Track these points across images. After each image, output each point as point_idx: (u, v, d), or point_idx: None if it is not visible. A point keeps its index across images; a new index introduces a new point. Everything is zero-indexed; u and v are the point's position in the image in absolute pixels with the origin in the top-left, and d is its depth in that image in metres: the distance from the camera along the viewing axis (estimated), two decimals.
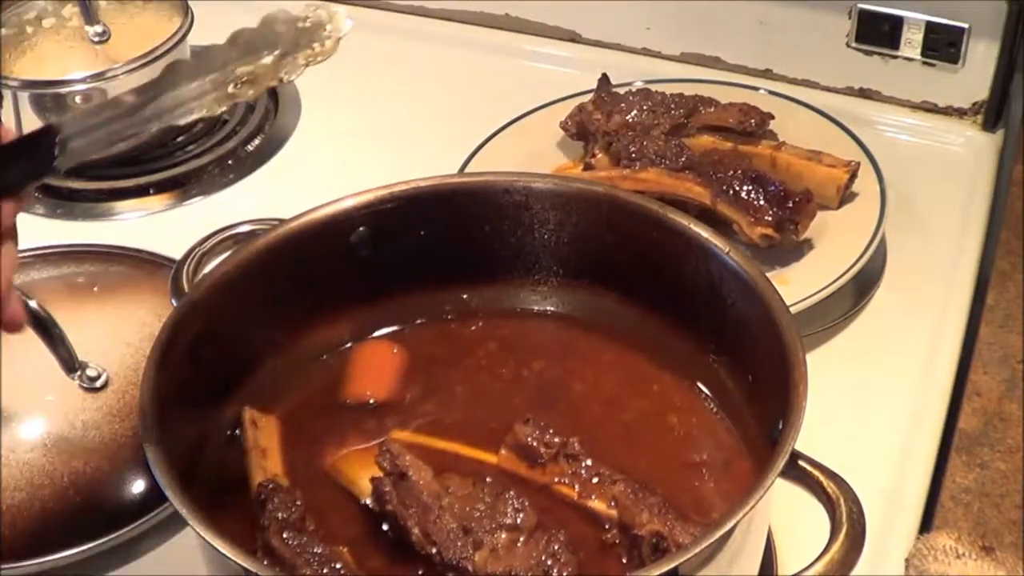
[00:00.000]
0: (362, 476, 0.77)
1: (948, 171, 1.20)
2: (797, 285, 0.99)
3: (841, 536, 0.68)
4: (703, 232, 0.81)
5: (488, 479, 0.75)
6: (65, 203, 1.23)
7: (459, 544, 0.71)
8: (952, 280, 1.07)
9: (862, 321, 1.04)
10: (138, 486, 0.89)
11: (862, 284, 1.05)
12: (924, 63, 1.23)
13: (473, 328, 0.89)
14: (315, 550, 0.71)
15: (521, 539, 0.72)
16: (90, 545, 0.85)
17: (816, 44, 1.27)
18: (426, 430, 0.82)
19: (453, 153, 1.14)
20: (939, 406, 0.97)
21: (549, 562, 0.71)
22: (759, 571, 0.76)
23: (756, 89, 1.21)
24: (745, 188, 1.03)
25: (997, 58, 1.20)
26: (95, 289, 1.03)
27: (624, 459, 0.79)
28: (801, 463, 0.70)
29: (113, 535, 0.86)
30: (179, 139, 1.28)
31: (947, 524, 0.86)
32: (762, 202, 1.02)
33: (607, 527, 0.75)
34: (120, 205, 1.23)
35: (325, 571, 0.71)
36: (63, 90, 1.20)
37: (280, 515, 0.74)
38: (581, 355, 0.88)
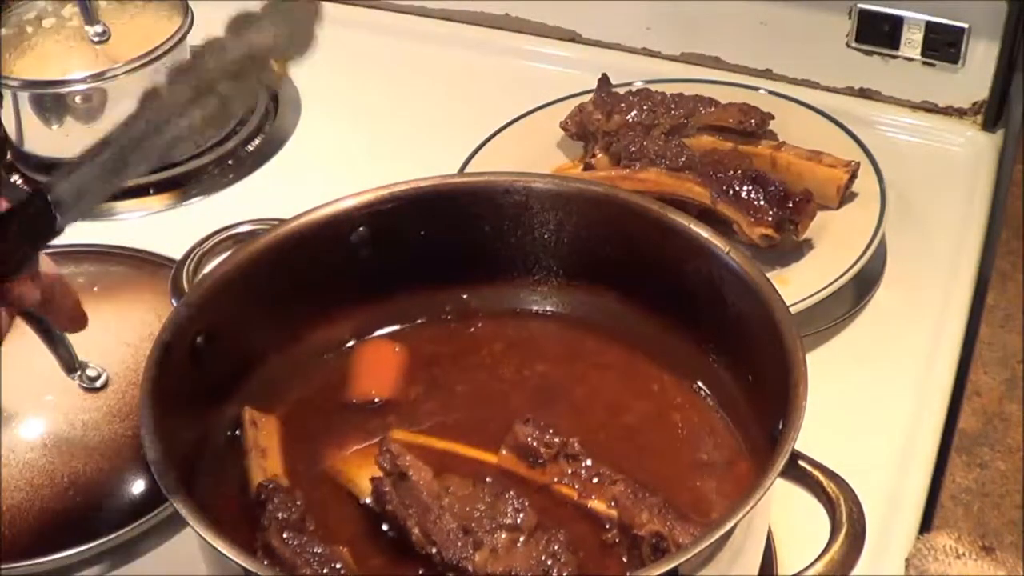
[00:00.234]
0: (362, 476, 0.77)
1: (948, 171, 1.20)
2: (797, 285, 0.99)
3: (841, 536, 0.68)
4: (703, 232, 0.81)
5: (488, 479, 0.75)
6: None
7: (459, 544, 0.71)
8: (952, 280, 1.07)
9: (862, 321, 1.04)
10: (138, 486, 0.89)
11: (862, 284, 1.05)
12: (924, 63, 1.23)
13: (473, 328, 0.89)
14: (315, 550, 0.71)
15: (521, 539, 0.72)
16: (90, 545, 0.86)
17: (816, 44, 1.27)
18: (426, 430, 0.82)
19: (453, 153, 1.14)
20: (939, 406, 0.97)
21: (549, 562, 0.71)
22: (759, 571, 0.76)
23: (756, 89, 1.21)
24: (745, 188, 1.03)
25: (997, 58, 1.20)
26: (95, 289, 1.03)
27: (624, 459, 0.79)
28: (801, 463, 0.70)
29: (113, 535, 0.86)
30: None
31: (947, 524, 0.86)
32: (762, 202, 1.02)
33: (607, 527, 0.75)
34: (120, 205, 1.23)
35: (325, 571, 0.71)
36: (63, 90, 1.20)
37: (280, 515, 0.74)
38: (581, 355, 0.88)
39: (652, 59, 1.35)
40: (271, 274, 0.83)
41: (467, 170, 1.12)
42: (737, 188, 1.03)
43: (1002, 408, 0.94)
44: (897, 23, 1.22)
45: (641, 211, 0.84)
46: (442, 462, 0.78)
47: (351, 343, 0.88)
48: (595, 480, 0.77)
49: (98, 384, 0.92)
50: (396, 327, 0.89)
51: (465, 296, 0.90)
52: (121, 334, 0.97)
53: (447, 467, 0.77)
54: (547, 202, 0.87)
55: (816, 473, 0.70)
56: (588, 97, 1.18)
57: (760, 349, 0.76)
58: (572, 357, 0.88)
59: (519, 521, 0.72)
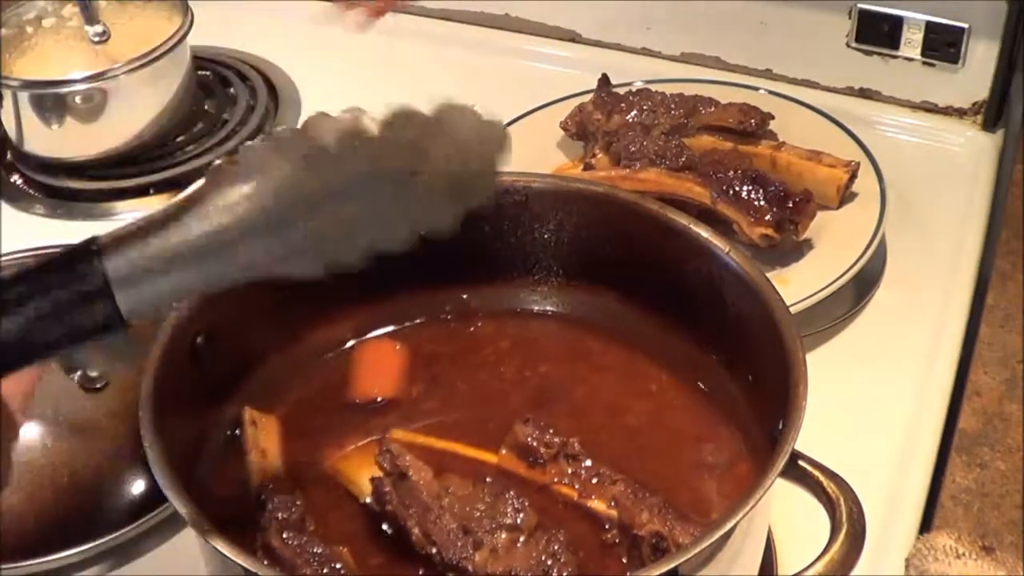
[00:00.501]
0: (362, 476, 0.77)
1: (948, 171, 1.20)
2: (797, 285, 0.99)
3: (841, 536, 0.68)
4: (703, 232, 0.81)
5: (488, 479, 0.75)
6: (65, 203, 1.23)
7: (459, 544, 0.71)
8: (952, 280, 1.07)
9: (862, 321, 1.04)
10: (138, 486, 0.89)
11: (862, 284, 1.05)
12: (924, 63, 1.23)
13: (473, 328, 0.89)
14: (315, 550, 0.71)
15: (521, 539, 0.72)
16: (90, 545, 0.85)
17: (816, 44, 1.27)
18: (426, 430, 0.82)
19: None
20: (939, 406, 0.97)
21: (549, 562, 0.71)
22: (759, 571, 0.76)
23: (756, 89, 1.21)
24: (745, 188, 1.03)
25: (997, 58, 1.20)
26: None
27: (624, 459, 0.79)
28: (801, 463, 0.70)
29: (113, 535, 0.86)
30: (179, 139, 1.28)
31: (947, 524, 0.86)
32: (762, 202, 1.02)
33: (607, 527, 0.75)
34: (120, 205, 1.23)
35: (325, 571, 0.71)
36: (63, 90, 1.20)
37: (280, 515, 0.74)
38: (581, 355, 0.88)
39: (652, 59, 1.35)
40: None
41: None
42: (737, 188, 1.03)
43: (1002, 408, 0.94)
44: (897, 23, 1.22)
45: (641, 211, 0.84)
46: (442, 462, 0.78)
47: (351, 343, 0.88)
48: (595, 480, 0.77)
49: (98, 384, 0.92)
50: (396, 327, 0.89)
51: (465, 296, 0.90)
52: None
53: (447, 467, 0.77)
54: (547, 202, 0.87)
55: (816, 473, 0.70)
56: (588, 97, 1.18)
57: (760, 349, 0.76)
58: (572, 357, 0.88)
59: (519, 521, 0.72)
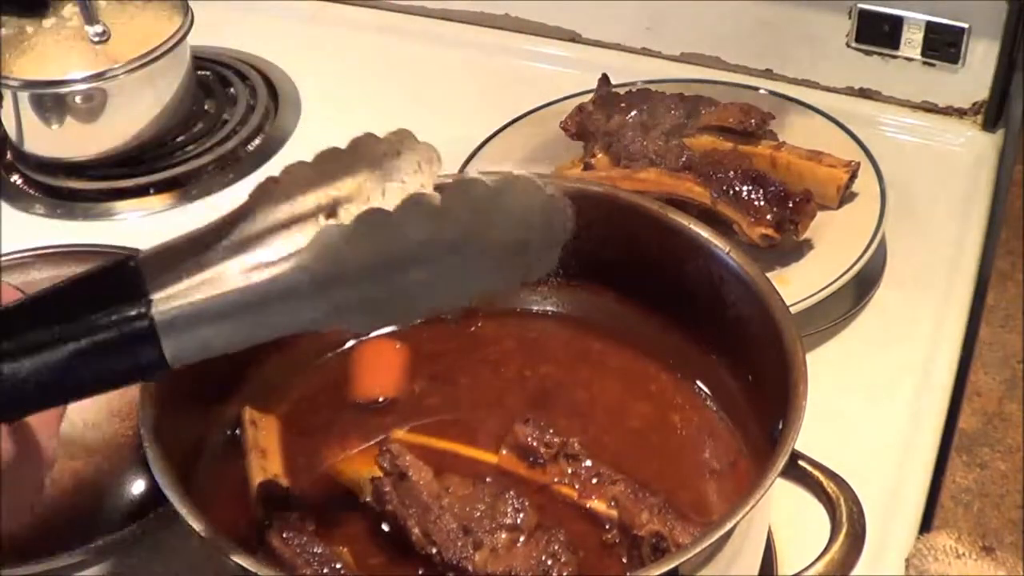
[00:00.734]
0: (362, 476, 0.77)
1: (948, 171, 1.20)
2: (797, 285, 0.99)
3: (841, 536, 0.68)
4: (703, 232, 0.81)
5: (488, 479, 0.75)
6: (65, 203, 1.23)
7: (459, 544, 0.71)
8: (952, 280, 1.07)
9: (862, 321, 1.04)
10: (138, 486, 0.89)
11: (862, 284, 1.05)
12: (924, 63, 1.23)
13: (473, 328, 0.89)
14: (315, 550, 0.71)
15: (521, 539, 0.72)
16: (90, 545, 0.85)
17: (816, 44, 1.27)
18: (426, 430, 0.82)
19: (453, 153, 1.14)
20: (939, 406, 0.97)
21: (549, 562, 0.71)
22: (759, 571, 0.76)
23: (756, 89, 1.21)
24: (745, 188, 1.03)
25: (997, 58, 1.20)
26: None
27: (624, 459, 0.79)
28: (801, 463, 0.70)
29: (113, 535, 0.86)
30: (179, 139, 1.28)
31: (947, 524, 0.86)
32: (762, 202, 1.02)
33: (607, 527, 0.75)
34: (120, 205, 1.23)
35: (325, 571, 0.71)
36: (63, 90, 1.20)
37: (280, 515, 0.74)
38: (581, 355, 0.88)
39: (652, 59, 1.35)
40: None
41: (466, 170, 1.12)
42: (737, 188, 1.03)
43: (1002, 408, 0.94)
44: (897, 23, 1.22)
45: (641, 211, 0.84)
46: (442, 462, 0.78)
47: (351, 343, 0.88)
48: (595, 480, 0.77)
49: None
50: (396, 326, 0.89)
51: None
52: None
53: (447, 467, 0.77)
54: None
55: (816, 473, 0.70)
56: (588, 97, 1.18)
57: (760, 349, 0.76)
58: (572, 357, 0.88)
59: (519, 521, 0.72)
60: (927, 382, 0.99)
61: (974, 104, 1.23)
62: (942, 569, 0.81)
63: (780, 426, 0.69)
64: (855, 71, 1.27)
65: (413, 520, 0.73)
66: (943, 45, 1.21)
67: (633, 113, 1.14)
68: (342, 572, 0.71)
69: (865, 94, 1.28)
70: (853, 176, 1.08)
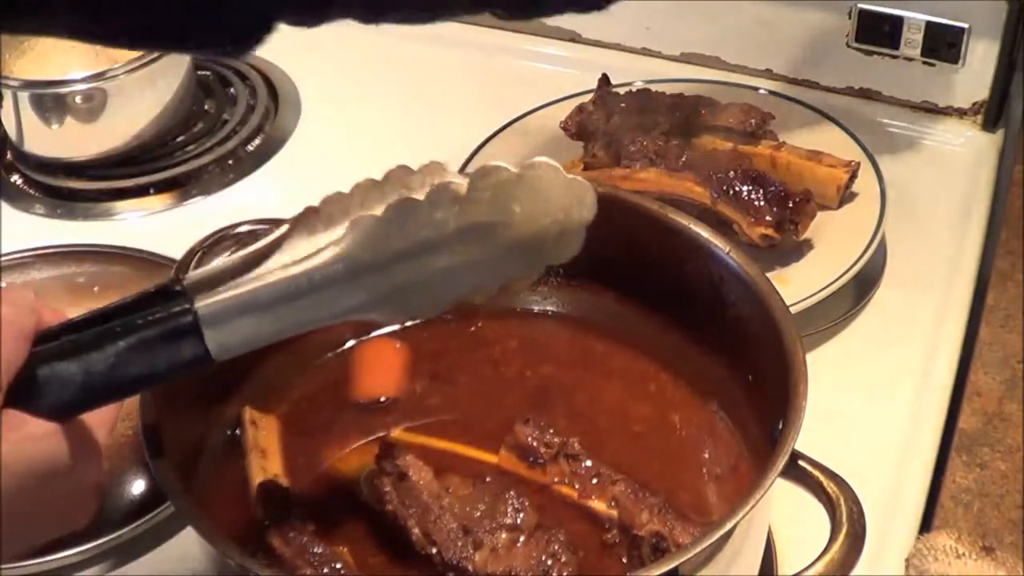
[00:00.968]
0: (362, 476, 0.77)
1: (948, 171, 1.20)
2: (797, 285, 0.99)
3: (841, 536, 0.68)
4: (703, 232, 0.81)
5: (488, 479, 0.75)
6: (65, 203, 1.23)
7: (459, 544, 0.71)
8: (952, 280, 1.07)
9: (862, 321, 1.04)
10: (138, 486, 0.89)
11: (862, 284, 1.05)
12: (924, 63, 1.23)
13: (473, 328, 0.89)
14: (315, 550, 0.71)
15: (521, 539, 0.72)
16: (90, 545, 0.85)
17: (816, 44, 1.27)
18: (426, 430, 0.82)
19: (453, 153, 1.14)
20: (939, 406, 0.97)
21: (549, 562, 0.71)
22: (759, 571, 0.76)
23: (756, 89, 1.21)
24: (745, 188, 1.03)
25: (997, 58, 1.20)
26: (95, 289, 1.03)
27: (624, 459, 0.79)
28: (801, 463, 0.70)
29: (113, 535, 0.86)
30: (179, 139, 1.28)
31: (947, 524, 0.86)
32: (762, 202, 1.02)
33: (607, 527, 0.75)
34: (120, 205, 1.23)
35: (325, 571, 0.71)
36: (63, 90, 1.20)
37: (280, 515, 0.74)
38: (581, 355, 0.88)
39: (652, 59, 1.35)
40: None
41: (467, 170, 1.12)
42: (737, 188, 1.03)
43: (1002, 408, 0.94)
44: (897, 23, 1.22)
45: (641, 211, 0.84)
46: (442, 462, 0.78)
47: (351, 343, 0.88)
48: (595, 480, 0.77)
49: None
50: (396, 326, 0.89)
51: None
52: None
53: (447, 467, 0.77)
54: None
55: (816, 473, 0.70)
56: (588, 97, 1.18)
57: (760, 349, 0.76)
58: (572, 357, 0.88)
59: (519, 521, 0.72)
60: (927, 382, 0.99)
61: (974, 104, 1.23)
62: (942, 569, 0.81)
63: (780, 426, 0.69)
64: (855, 71, 1.27)
65: (413, 520, 0.73)
66: (943, 45, 1.21)
67: (633, 113, 1.14)
68: (342, 572, 0.71)
69: (865, 94, 1.28)
70: (853, 176, 1.08)
